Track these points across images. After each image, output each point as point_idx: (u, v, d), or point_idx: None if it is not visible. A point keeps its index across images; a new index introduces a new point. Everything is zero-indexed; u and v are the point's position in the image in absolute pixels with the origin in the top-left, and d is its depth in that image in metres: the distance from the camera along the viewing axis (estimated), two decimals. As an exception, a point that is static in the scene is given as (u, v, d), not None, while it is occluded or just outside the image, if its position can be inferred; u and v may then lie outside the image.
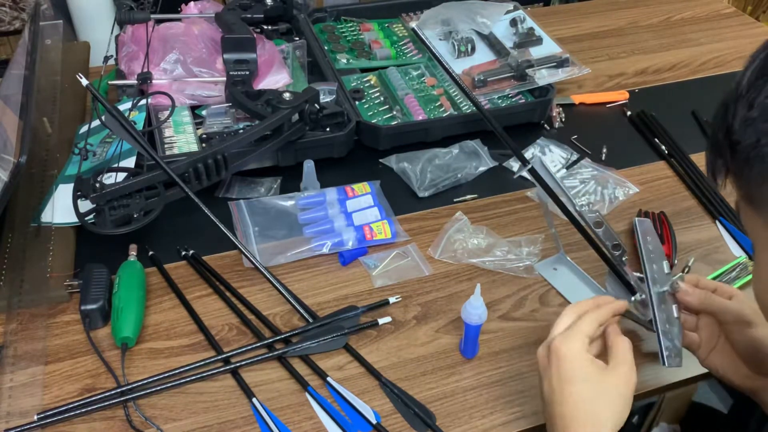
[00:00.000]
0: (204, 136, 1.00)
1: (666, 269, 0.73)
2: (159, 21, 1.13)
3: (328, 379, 0.74)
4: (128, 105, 0.97)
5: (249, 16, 1.15)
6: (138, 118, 0.99)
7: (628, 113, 1.18)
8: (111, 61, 1.09)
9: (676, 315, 0.72)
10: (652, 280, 0.72)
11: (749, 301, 0.67)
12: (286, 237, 0.90)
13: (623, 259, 0.76)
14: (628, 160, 1.08)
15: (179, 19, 1.15)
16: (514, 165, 1.04)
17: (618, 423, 0.60)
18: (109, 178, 0.88)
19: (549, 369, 0.63)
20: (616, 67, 1.31)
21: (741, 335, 0.69)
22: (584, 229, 0.78)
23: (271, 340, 0.78)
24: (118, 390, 0.72)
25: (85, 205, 0.85)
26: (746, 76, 0.49)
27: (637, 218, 0.75)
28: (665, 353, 0.70)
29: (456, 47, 1.21)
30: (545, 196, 0.79)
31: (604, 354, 0.65)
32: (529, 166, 0.78)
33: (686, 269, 0.89)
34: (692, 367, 0.77)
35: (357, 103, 1.10)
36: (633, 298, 0.75)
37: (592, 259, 0.82)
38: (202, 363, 0.75)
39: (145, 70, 1.04)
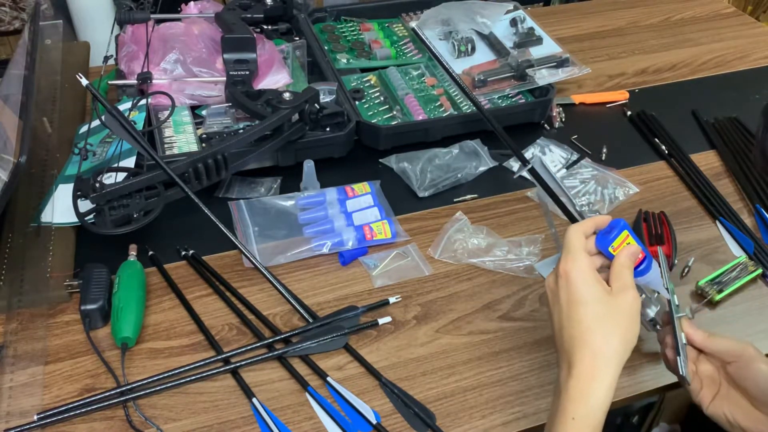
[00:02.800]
0: (204, 136, 1.00)
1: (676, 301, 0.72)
2: (159, 21, 1.13)
3: (328, 379, 0.74)
4: (128, 105, 0.97)
5: (249, 16, 1.15)
6: (138, 118, 0.99)
7: (628, 113, 1.18)
8: (111, 61, 1.09)
9: (684, 341, 0.70)
10: (673, 305, 0.71)
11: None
12: (286, 237, 0.90)
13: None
14: (628, 160, 1.08)
15: (179, 19, 1.15)
16: (514, 165, 1.04)
17: (628, 346, 0.60)
18: (109, 178, 0.88)
19: (558, 293, 0.62)
20: (616, 67, 1.31)
21: (749, 371, 0.67)
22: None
23: (271, 340, 0.78)
24: (118, 390, 0.72)
25: (85, 205, 0.85)
26: None
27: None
28: (684, 369, 0.69)
29: (456, 47, 1.21)
30: (545, 196, 0.79)
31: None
32: (529, 166, 0.78)
33: (686, 269, 0.89)
34: (692, 367, 0.78)
35: (357, 103, 1.10)
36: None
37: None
38: (202, 363, 0.75)
39: (145, 70, 1.04)
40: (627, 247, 0.64)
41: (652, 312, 0.74)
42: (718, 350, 0.70)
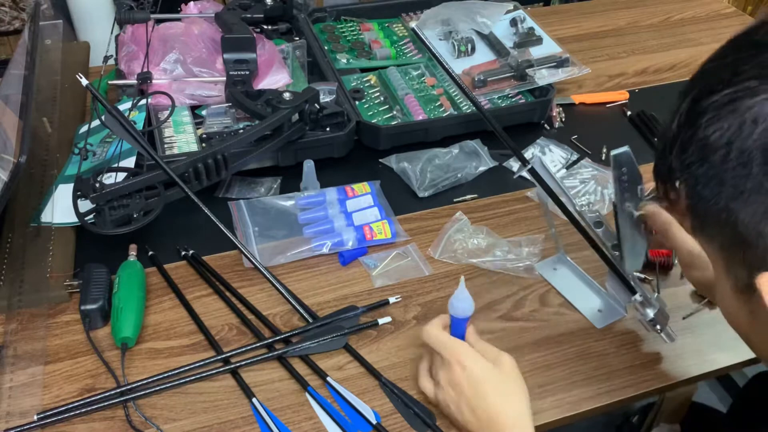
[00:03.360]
0: (204, 136, 1.00)
1: (640, 193, 0.73)
2: (159, 21, 1.13)
3: (328, 379, 0.74)
4: (128, 105, 0.97)
5: (249, 16, 1.15)
6: (138, 118, 0.99)
7: (628, 113, 1.18)
8: (111, 61, 1.09)
9: (642, 235, 0.74)
10: (620, 207, 0.73)
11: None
12: (286, 237, 0.90)
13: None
14: (628, 160, 1.07)
15: (179, 19, 1.15)
16: (514, 165, 1.04)
17: (527, 400, 0.67)
18: (109, 178, 0.88)
19: (460, 383, 0.66)
20: (616, 67, 1.31)
21: (667, 238, 0.75)
22: (584, 229, 0.78)
23: (271, 340, 0.78)
24: (118, 390, 0.72)
25: (85, 205, 0.85)
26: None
27: (613, 152, 0.72)
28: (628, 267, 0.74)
29: (456, 47, 1.21)
30: (545, 195, 0.79)
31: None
32: (529, 166, 0.78)
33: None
34: (692, 368, 0.78)
35: (357, 103, 1.10)
36: (633, 298, 0.74)
37: (592, 260, 0.82)
38: (202, 363, 0.75)
39: (145, 70, 1.04)
40: (470, 328, 0.71)
41: (651, 312, 0.74)
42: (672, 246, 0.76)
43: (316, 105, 0.98)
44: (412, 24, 1.25)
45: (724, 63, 0.49)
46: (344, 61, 1.21)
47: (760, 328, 0.53)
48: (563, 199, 0.78)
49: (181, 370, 0.74)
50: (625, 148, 0.69)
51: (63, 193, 0.90)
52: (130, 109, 0.95)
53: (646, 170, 1.05)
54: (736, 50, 0.49)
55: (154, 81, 1.04)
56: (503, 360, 0.67)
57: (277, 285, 0.82)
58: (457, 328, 0.74)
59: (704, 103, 0.48)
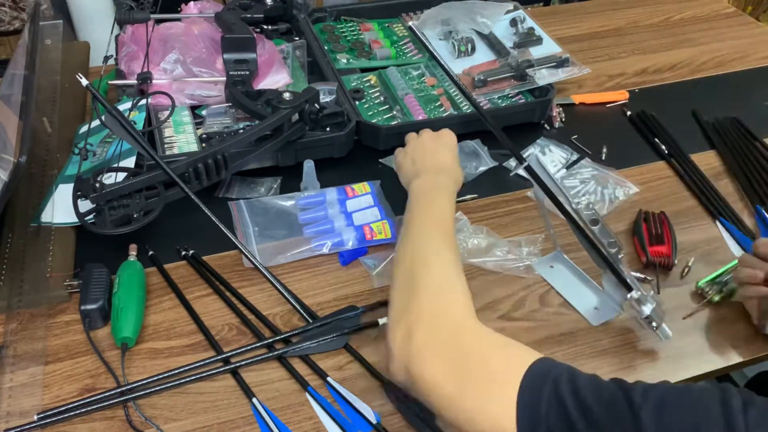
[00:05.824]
0: (204, 136, 1.00)
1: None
2: (159, 21, 1.13)
3: (328, 379, 0.74)
4: (128, 105, 0.97)
5: (249, 16, 1.15)
6: (138, 118, 0.99)
7: (628, 113, 1.18)
8: (111, 61, 1.09)
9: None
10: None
11: None
12: (286, 237, 0.90)
13: (619, 257, 0.76)
14: (628, 160, 1.08)
15: (179, 19, 1.15)
16: (514, 165, 1.04)
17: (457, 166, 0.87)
18: (109, 178, 0.88)
19: (420, 138, 0.91)
20: (616, 67, 1.31)
21: None
22: (580, 227, 0.78)
23: (271, 340, 0.78)
24: (118, 390, 0.72)
25: (85, 205, 0.85)
26: None
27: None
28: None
29: (456, 47, 1.21)
30: (542, 194, 0.79)
31: None
32: (525, 164, 0.78)
33: (686, 270, 0.89)
34: (692, 368, 0.78)
35: (357, 103, 1.10)
36: (629, 296, 0.74)
37: (590, 258, 0.82)
38: (202, 363, 0.75)
39: (145, 70, 1.04)
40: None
41: (647, 309, 0.74)
42: None
43: (316, 105, 0.98)
44: (411, 23, 1.25)
45: None
46: (344, 61, 1.21)
47: None
48: (560, 197, 0.78)
49: (181, 370, 0.74)
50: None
51: (63, 193, 0.90)
52: (130, 109, 0.95)
53: (646, 170, 1.06)
54: None
55: (154, 81, 1.04)
56: (446, 133, 0.91)
57: (277, 285, 0.82)
58: None
59: None
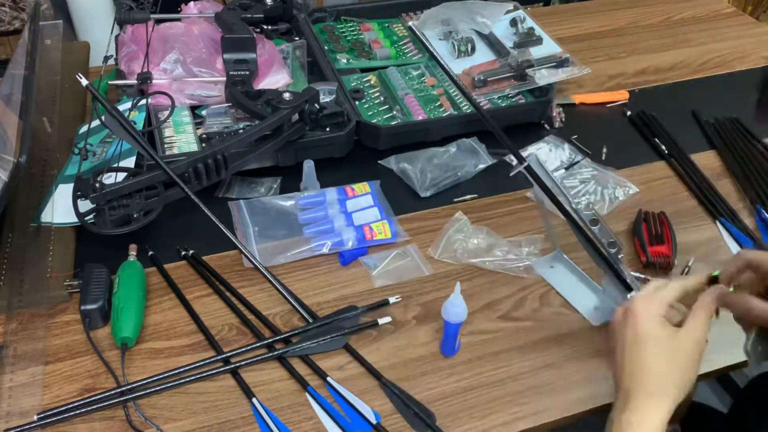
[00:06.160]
0: (204, 136, 1.00)
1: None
2: (159, 21, 1.13)
3: (328, 379, 0.74)
4: (128, 105, 0.97)
5: (249, 16, 1.15)
6: (138, 118, 0.99)
7: (628, 113, 1.18)
8: (111, 61, 1.09)
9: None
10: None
11: None
12: (286, 237, 0.90)
13: (619, 257, 0.76)
14: (628, 160, 1.08)
15: (179, 19, 1.15)
16: (515, 161, 1.04)
17: (683, 387, 0.62)
18: (108, 178, 0.88)
19: (624, 328, 0.64)
20: (616, 67, 1.31)
21: None
22: (580, 227, 0.78)
23: (271, 340, 0.78)
24: (118, 390, 0.72)
25: (85, 205, 0.85)
26: None
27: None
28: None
29: (456, 47, 1.21)
30: (542, 194, 0.79)
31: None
32: (525, 164, 0.78)
33: (686, 270, 0.89)
34: (692, 367, 0.77)
35: (357, 103, 1.10)
36: (629, 296, 0.74)
37: (590, 259, 0.82)
38: (202, 363, 0.75)
39: (145, 70, 1.04)
40: (712, 289, 0.67)
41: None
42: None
43: (316, 105, 0.98)
44: (411, 23, 1.26)
45: None
46: (344, 61, 1.21)
47: None
48: (560, 197, 0.78)
49: (181, 370, 0.74)
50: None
51: (63, 193, 0.90)
52: (130, 109, 0.95)
53: (646, 170, 1.06)
54: None
55: (154, 81, 1.04)
56: (689, 337, 0.63)
57: (277, 285, 0.82)
58: (449, 331, 0.74)
59: None
